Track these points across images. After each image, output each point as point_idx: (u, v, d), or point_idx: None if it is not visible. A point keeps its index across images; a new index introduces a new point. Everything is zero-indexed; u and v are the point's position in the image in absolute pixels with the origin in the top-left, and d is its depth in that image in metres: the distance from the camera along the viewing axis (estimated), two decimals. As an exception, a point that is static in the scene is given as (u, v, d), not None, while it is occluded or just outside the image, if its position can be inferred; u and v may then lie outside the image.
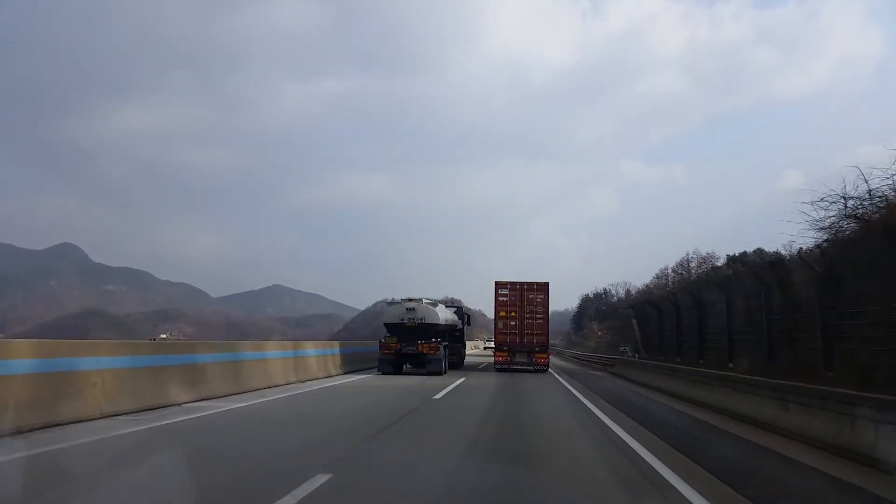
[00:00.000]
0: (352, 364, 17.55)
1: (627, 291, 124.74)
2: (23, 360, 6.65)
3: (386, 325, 18.36)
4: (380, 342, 17.87)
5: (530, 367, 21.73)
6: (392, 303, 18.85)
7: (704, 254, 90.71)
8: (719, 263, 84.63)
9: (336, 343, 17.88)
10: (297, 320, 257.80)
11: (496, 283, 22.63)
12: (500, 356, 22.06)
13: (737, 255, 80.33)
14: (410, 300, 18.13)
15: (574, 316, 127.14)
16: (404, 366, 17.97)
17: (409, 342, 17.41)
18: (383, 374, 17.23)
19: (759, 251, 76.27)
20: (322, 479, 4.68)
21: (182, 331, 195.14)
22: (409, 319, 17.81)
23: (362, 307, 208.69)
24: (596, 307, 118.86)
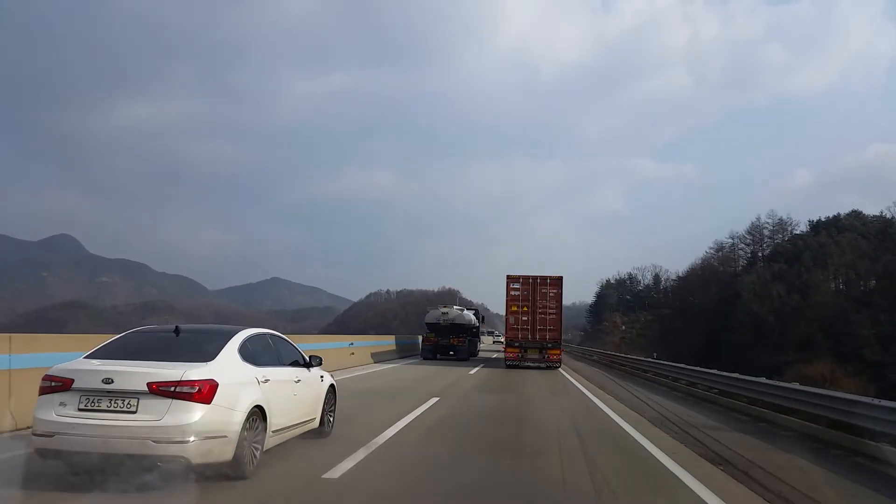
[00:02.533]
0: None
1: (656, 276, 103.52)
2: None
3: (427, 324, 25.93)
4: (422, 336, 25.53)
5: (542, 364, 21.73)
6: (432, 308, 26.38)
7: (779, 218, 71.28)
8: (799, 230, 68.83)
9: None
10: (293, 314, 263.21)
11: (508, 276, 22.46)
12: (510, 352, 21.86)
13: (824, 219, 67.37)
14: (445, 307, 25.80)
15: (591, 306, 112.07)
16: (437, 354, 25.19)
17: (443, 336, 25.02)
18: (424, 359, 24.50)
19: (857, 213, 66.83)
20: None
21: (169, 323, 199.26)
22: (444, 320, 25.39)
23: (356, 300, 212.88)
24: (618, 296, 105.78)
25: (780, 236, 72.65)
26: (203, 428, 4.72)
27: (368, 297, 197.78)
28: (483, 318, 32.17)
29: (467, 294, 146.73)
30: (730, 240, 78.52)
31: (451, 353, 24.83)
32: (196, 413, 4.70)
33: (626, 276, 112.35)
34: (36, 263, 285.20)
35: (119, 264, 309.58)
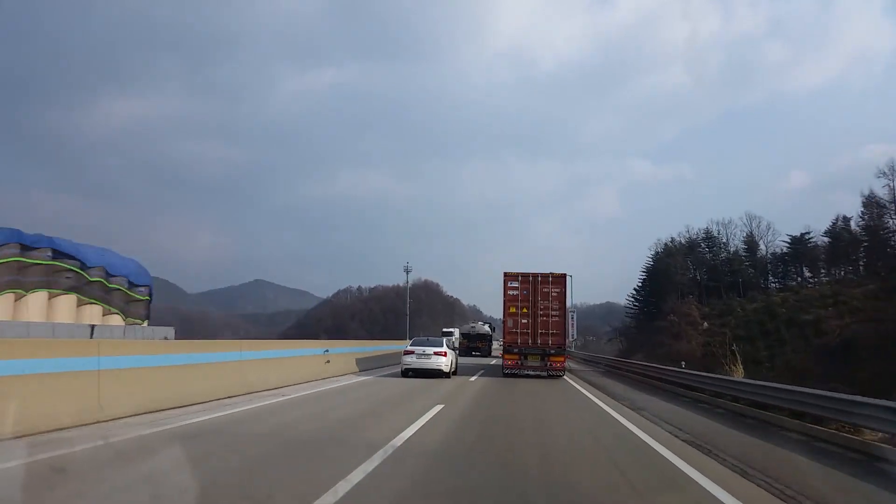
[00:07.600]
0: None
1: (749, 237, 63.00)
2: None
3: (462, 334, 42.70)
4: (460, 342, 42.16)
5: (543, 373, 21.59)
6: (464, 324, 43.25)
7: None
8: None
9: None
10: (270, 317, 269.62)
11: (505, 274, 22.10)
12: (509, 359, 21.95)
13: None
14: (474, 322, 42.77)
15: (637, 289, 77.30)
16: (467, 353, 41.71)
17: (472, 342, 41.89)
18: (460, 356, 40.94)
19: None
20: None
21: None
22: (472, 331, 42.37)
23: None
24: (692, 268, 66.81)
25: None
26: (446, 363, 21.20)
27: (336, 294, 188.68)
28: (494, 329, 49.03)
29: (448, 289, 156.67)
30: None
31: (476, 352, 41.44)
32: (444, 359, 21.16)
33: (702, 234, 71.69)
34: None
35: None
